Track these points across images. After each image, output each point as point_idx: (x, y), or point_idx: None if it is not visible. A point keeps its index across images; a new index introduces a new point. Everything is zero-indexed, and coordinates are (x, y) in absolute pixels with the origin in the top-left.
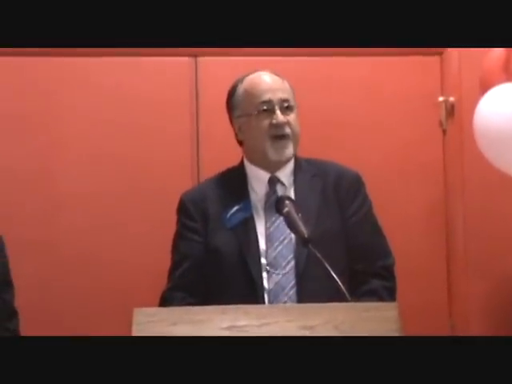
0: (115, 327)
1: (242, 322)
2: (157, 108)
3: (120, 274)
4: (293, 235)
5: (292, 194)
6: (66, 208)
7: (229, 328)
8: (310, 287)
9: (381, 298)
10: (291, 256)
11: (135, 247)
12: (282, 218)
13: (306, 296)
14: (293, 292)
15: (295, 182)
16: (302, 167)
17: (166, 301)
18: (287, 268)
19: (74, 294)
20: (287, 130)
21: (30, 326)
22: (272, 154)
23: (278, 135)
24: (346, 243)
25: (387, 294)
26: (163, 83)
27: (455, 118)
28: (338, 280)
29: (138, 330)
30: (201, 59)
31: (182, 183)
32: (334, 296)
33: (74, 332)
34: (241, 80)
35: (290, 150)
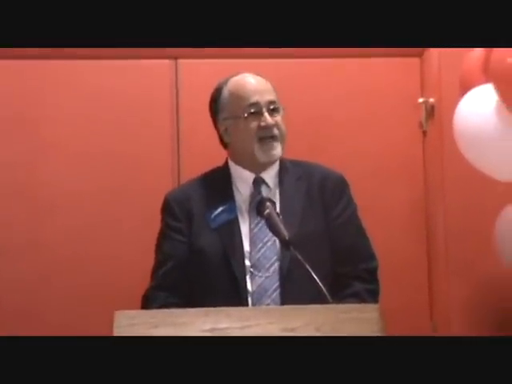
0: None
1: (223, 325)
2: (139, 110)
3: (113, 272)
4: None
5: (277, 196)
6: (56, 208)
7: (211, 330)
8: (294, 290)
9: (363, 301)
10: (275, 258)
11: (128, 245)
12: None
13: (289, 298)
14: (276, 294)
15: (280, 183)
16: (287, 169)
17: (148, 300)
18: (271, 270)
19: (67, 293)
20: (275, 132)
21: (22, 325)
22: (260, 156)
23: (267, 137)
24: (331, 245)
25: (369, 296)
26: (145, 85)
27: (435, 118)
28: (319, 282)
29: (119, 333)
30: (181, 61)
31: (164, 183)
32: (318, 298)
33: (68, 331)
34: (225, 82)
35: (277, 151)
